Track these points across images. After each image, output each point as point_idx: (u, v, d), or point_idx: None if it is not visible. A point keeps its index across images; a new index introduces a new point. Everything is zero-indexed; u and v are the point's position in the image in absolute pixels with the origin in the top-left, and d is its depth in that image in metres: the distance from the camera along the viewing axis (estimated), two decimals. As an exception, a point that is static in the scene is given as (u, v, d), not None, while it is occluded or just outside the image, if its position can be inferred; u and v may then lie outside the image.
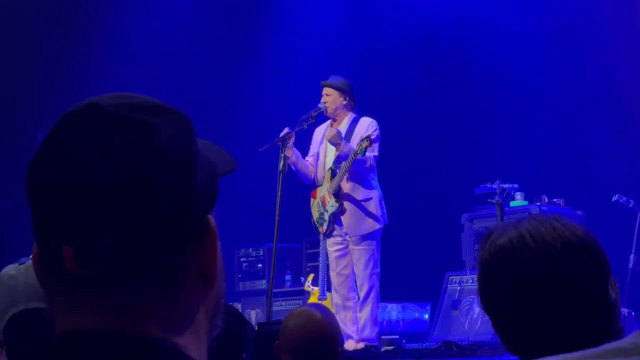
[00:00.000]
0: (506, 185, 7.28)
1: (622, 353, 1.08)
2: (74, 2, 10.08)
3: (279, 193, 6.58)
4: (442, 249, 8.63)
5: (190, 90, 9.58)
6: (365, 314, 6.87)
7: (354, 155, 6.70)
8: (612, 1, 9.14)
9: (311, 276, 8.31)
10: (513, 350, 1.59)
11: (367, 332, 6.86)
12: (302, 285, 8.55)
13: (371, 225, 6.87)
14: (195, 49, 10.51)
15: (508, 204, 7.51)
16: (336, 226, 6.97)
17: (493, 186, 7.28)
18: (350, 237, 6.91)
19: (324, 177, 7.05)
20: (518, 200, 7.88)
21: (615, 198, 7.68)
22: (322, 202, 7.02)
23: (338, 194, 6.91)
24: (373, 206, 6.88)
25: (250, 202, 10.09)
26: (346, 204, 6.89)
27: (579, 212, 7.78)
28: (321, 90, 7.11)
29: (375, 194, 6.92)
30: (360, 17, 10.31)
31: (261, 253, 9.65)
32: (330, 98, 7.02)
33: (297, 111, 7.24)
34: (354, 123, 7.03)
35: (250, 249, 9.75)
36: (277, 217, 6.56)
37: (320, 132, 7.19)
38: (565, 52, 9.21)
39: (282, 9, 10.67)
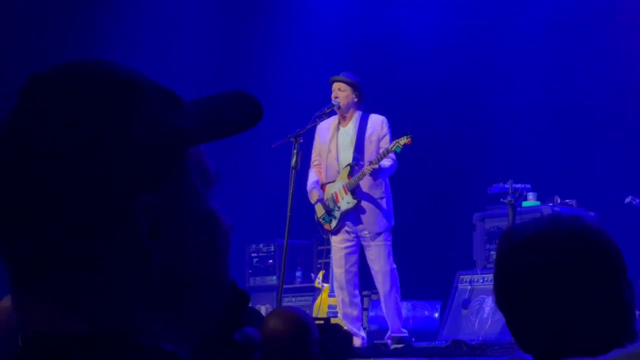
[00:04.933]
0: (519, 185, 7.26)
1: None
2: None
3: (291, 189, 6.57)
4: (453, 248, 8.62)
5: (203, 85, 9.57)
6: (391, 309, 6.92)
7: (387, 152, 6.73)
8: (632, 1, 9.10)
9: (322, 273, 8.31)
10: (525, 349, 1.59)
11: (397, 326, 6.92)
12: (313, 281, 8.55)
13: (386, 222, 6.93)
14: (208, 43, 10.51)
15: (520, 204, 7.48)
16: (348, 223, 6.97)
17: (505, 186, 7.25)
18: (366, 234, 6.91)
19: (337, 172, 7.01)
20: (530, 201, 7.86)
21: (627, 200, 7.65)
22: (334, 198, 6.98)
23: (355, 191, 6.90)
24: (386, 204, 6.93)
25: (262, 197, 10.09)
26: (364, 202, 6.90)
27: (592, 214, 7.75)
28: (330, 85, 7.04)
29: (389, 192, 6.98)
30: (373, 12, 10.30)
31: (272, 249, 9.66)
32: (343, 94, 6.95)
33: (310, 107, 7.23)
34: (363, 120, 6.99)
35: (261, 245, 9.76)
36: (288, 213, 6.55)
37: (326, 128, 7.11)
38: (580, 52, 9.17)
39: (295, 3, 10.69)
